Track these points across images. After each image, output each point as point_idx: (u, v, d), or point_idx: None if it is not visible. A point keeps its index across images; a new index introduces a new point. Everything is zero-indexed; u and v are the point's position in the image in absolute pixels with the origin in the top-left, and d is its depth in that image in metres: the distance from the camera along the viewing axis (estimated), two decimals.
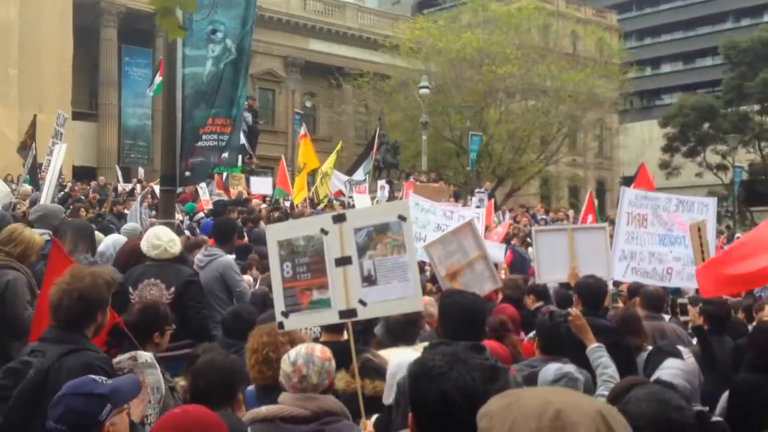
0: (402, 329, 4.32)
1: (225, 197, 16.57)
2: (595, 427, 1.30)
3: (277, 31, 39.29)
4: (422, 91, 28.49)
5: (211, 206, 14.80)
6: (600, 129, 45.51)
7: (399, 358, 3.83)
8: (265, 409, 3.15)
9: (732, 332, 5.83)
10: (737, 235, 26.27)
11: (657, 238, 8.18)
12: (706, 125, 43.48)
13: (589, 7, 49.13)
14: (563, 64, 36.06)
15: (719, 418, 3.69)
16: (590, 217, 14.12)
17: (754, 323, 6.93)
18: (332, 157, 19.14)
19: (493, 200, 21.20)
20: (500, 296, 6.85)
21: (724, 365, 4.96)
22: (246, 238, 10.90)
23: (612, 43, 45.14)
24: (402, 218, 3.88)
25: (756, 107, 42.37)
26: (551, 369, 3.86)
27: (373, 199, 19.81)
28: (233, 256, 7.05)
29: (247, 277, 7.54)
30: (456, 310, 3.47)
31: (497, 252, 11.31)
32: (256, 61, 38.65)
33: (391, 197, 20.73)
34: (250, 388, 3.67)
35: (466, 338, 3.19)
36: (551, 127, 36.03)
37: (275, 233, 4.10)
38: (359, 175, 22.22)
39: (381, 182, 23.14)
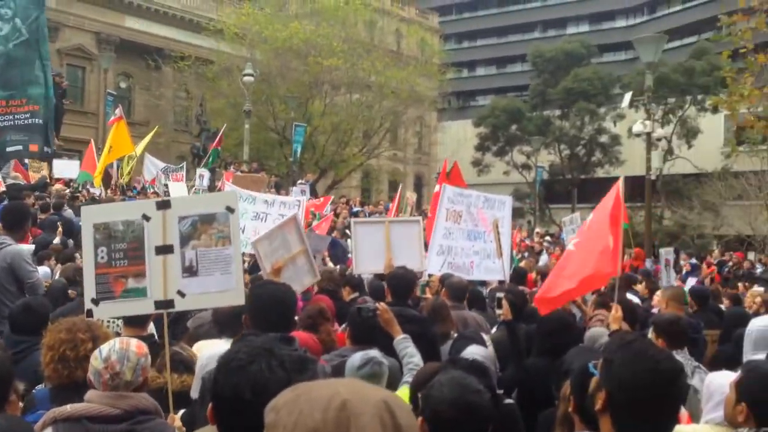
0: (229, 321, 4.23)
1: (22, 181, 15.21)
2: (379, 415, 1.32)
3: (89, 5, 36.63)
4: (246, 78, 27.94)
5: (3, 189, 13.45)
6: (420, 126, 47.34)
7: (210, 351, 3.74)
8: (69, 408, 2.91)
9: (528, 320, 6.30)
10: (537, 230, 28.58)
11: (466, 233, 8.60)
12: (514, 127, 46.65)
13: (413, 7, 50.82)
14: (387, 60, 36.97)
15: (511, 400, 3.97)
16: (396, 213, 14.69)
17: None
18: (144, 141, 18.23)
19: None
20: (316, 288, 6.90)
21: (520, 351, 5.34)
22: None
23: (433, 43, 47.12)
24: (230, 210, 3.82)
25: (557, 112, 46.18)
26: (358, 356, 3.97)
27: (191, 188, 19.14)
28: (31, 246, 6.49)
29: (43, 269, 6.97)
30: (265, 301, 3.42)
31: (321, 243, 11.37)
32: (64, 35, 35.78)
33: (212, 187, 20.16)
34: (42, 387, 3.40)
35: (275, 330, 3.17)
36: (374, 121, 36.87)
37: (91, 216, 3.86)
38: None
39: (200, 170, 22.41)
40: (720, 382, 3.25)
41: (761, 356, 4.02)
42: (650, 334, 5.15)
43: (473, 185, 26.28)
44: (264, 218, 8.97)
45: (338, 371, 4.32)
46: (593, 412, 2.31)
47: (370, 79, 35.75)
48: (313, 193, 25.13)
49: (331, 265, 9.79)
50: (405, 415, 1.38)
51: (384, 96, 35.92)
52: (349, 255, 10.13)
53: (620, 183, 5.98)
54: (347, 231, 15.75)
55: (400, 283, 5.64)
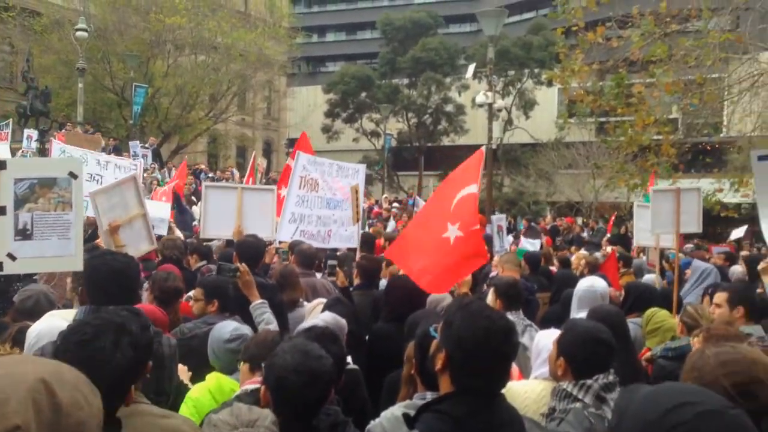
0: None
1: None
2: (32, 398, 1.23)
3: None
4: (79, 34, 26.00)
5: None
6: (269, 91, 46.43)
7: (40, 327, 3.51)
8: None
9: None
10: (385, 196, 29.12)
11: (325, 201, 8.61)
12: (363, 94, 47.05)
13: None
14: (234, 21, 35.79)
15: (355, 366, 4.06)
16: (251, 180, 14.41)
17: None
18: None
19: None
20: (159, 257, 6.63)
21: (365, 315, 5.45)
22: None
23: (282, 6, 46.15)
24: (73, 175, 3.76)
25: (406, 81, 47.09)
26: (228, 328, 3.86)
27: (17, 150, 17.64)
28: None
29: None
30: (103, 273, 3.22)
31: (163, 211, 10.90)
32: None
33: (42, 150, 18.70)
34: None
35: (117, 303, 3.00)
36: (221, 84, 35.66)
37: None
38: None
39: (28, 131, 20.67)
40: (547, 341, 3.49)
41: (584, 315, 4.36)
42: (489, 296, 5.42)
43: (323, 152, 26.29)
44: (99, 180, 8.45)
45: (205, 340, 4.19)
46: (434, 372, 2.41)
47: (216, 40, 34.43)
48: (157, 159, 24.03)
49: (178, 232, 9.41)
50: (68, 393, 1.29)
51: (231, 58, 34.77)
52: (195, 223, 9.79)
53: (481, 153, 6.15)
54: (193, 198, 15.24)
55: (249, 251, 5.55)
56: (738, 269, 10.39)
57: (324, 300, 5.18)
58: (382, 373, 4.10)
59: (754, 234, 10.28)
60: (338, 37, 69.71)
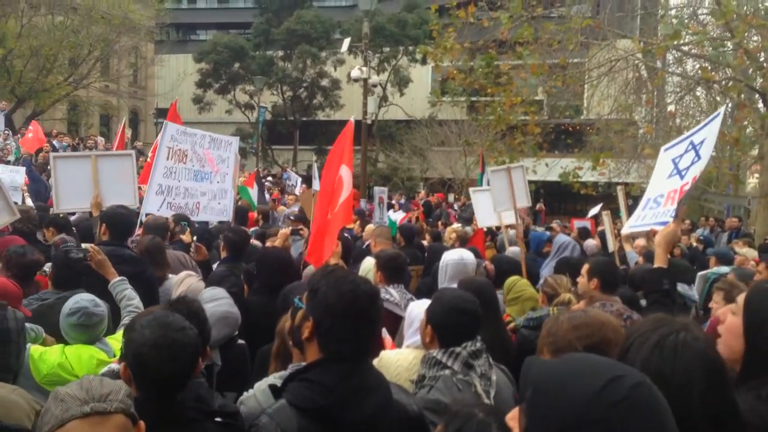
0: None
1: None
2: None
3: None
4: None
5: None
6: (135, 57, 44.14)
7: None
8: None
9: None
10: (257, 169, 28.57)
11: (192, 173, 8.34)
12: (237, 65, 45.79)
13: None
14: None
15: (242, 341, 4.03)
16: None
17: None
18: None
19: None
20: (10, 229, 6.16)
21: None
22: None
23: None
24: None
25: (281, 53, 46.25)
26: (69, 303, 3.64)
27: None
28: None
29: None
30: None
31: (17, 177, 10.20)
32: None
33: None
34: None
35: None
36: (82, 48, 33.38)
37: None
38: None
39: None
40: (419, 310, 3.55)
41: (454, 285, 4.48)
42: (365, 266, 5.46)
43: (194, 123, 25.44)
44: None
45: (41, 315, 3.94)
46: (300, 341, 2.41)
47: (75, 0, 32.22)
48: (9, 125, 22.29)
49: (29, 202, 8.79)
50: None
51: (93, 21, 32.59)
52: (51, 193, 9.19)
53: (351, 123, 6.22)
54: (48, 167, 14.31)
55: (119, 222, 5.27)
56: (592, 243, 11.17)
57: (191, 273, 5.01)
58: (254, 346, 4.04)
59: (613, 212, 11.04)
60: (210, 4, 67.12)
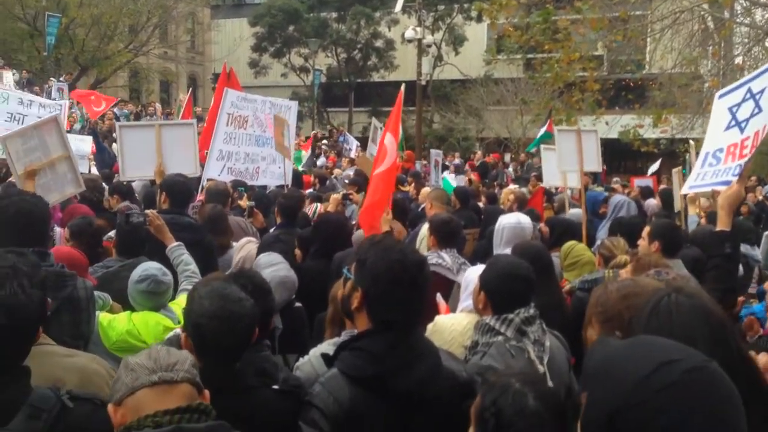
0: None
1: None
2: None
3: None
4: None
5: None
6: (192, 23, 44.60)
7: None
8: None
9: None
10: (314, 132, 28.76)
11: (254, 139, 8.50)
12: (291, 28, 45.72)
13: None
14: None
15: (299, 304, 4.10)
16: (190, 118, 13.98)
17: None
18: None
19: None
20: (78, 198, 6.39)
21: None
22: None
23: None
24: None
25: (335, 15, 45.96)
26: (138, 270, 3.78)
27: None
28: None
29: None
30: (11, 215, 3.06)
31: (83, 146, 10.51)
32: None
33: None
34: None
35: (26, 245, 2.88)
36: (140, 15, 33.96)
37: None
38: None
39: None
40: (474, 275, 3.55)
41: (509, 251, 4.45)
42: (422, 232, 5.45)
43: (251, 87, 25.64)
44: (21, 120, 8.07)
45: (106, 282, 4.09)
46: (350, 312, 2.45)
47: None
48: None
49: (95, 170, 9.09)
50: None
51: None
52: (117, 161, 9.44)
53: (401, 92, 6.21)
54: (113, 134, 14.69)
55: (177, 190, 5.41)
56: (653, 202, 10.82)
57: (252, 239, 5.12)
58: (311, 311, 4.12)
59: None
60: None
